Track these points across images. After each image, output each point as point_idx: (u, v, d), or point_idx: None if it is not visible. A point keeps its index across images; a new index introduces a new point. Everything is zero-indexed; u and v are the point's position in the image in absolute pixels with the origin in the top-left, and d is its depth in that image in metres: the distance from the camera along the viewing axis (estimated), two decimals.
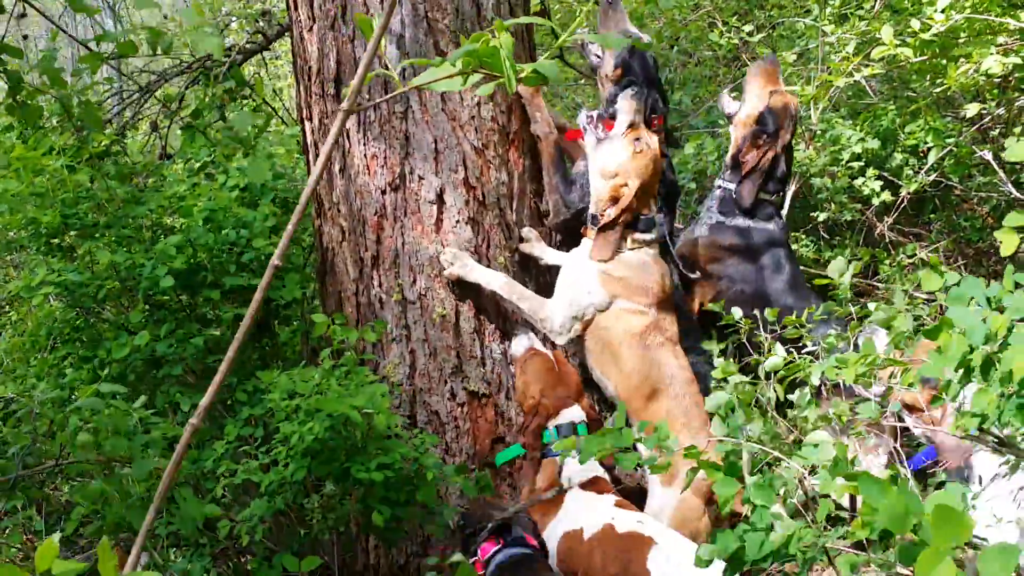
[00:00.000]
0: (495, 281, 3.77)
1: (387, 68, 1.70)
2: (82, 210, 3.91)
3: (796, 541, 1.98)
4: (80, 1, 2.92)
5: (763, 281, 4.10)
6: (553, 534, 3.39)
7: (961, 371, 1.87)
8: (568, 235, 4.04)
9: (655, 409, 3.66)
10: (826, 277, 2.93)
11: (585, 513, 3.36)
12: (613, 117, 3.87)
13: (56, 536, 1.44)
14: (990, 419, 1.80)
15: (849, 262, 5.01)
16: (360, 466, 3.16)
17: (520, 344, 3.73)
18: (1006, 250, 2.00)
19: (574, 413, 3.60)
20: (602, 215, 3.73)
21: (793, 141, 4.26)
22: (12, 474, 2.67)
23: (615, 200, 3.71)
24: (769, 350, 2.69)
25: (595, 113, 3.83)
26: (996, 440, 1.99)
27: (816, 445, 2.10)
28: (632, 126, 3.74)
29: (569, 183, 4.01)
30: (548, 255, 3.98)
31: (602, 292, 3.74)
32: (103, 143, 4.06)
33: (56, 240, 4.05)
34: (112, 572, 1.42)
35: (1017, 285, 1.93)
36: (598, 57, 4.19)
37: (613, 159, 3.73)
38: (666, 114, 4.26)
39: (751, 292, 4.07)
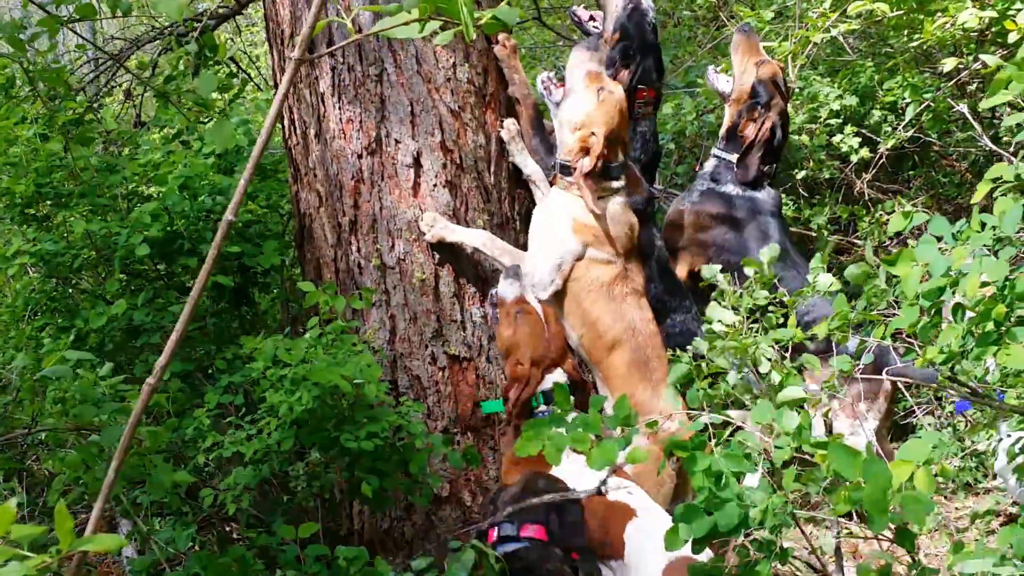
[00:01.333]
0: (476, 238, 3.76)
1: (348, 20, 1.68)
2: (56, 179, 3.87)
3: (771, 512, 1.98)
4: None
5: (750, 250, 4.10)
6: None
7: (927, 314, 1.88)
8: None
9: (616, 360, 3.69)
10: (807, 232, 2.92)
11: (576, 478, 3.33)
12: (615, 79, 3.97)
13: (13, 501, 1.44)
14: (954, 354, 1.81)
15: (829, 220, 5.05)
16: (349, 435, 3.15)
17: (510, 288, 3.57)
18: (977, 197, 2.01)
19: (558, 376, 3.54)
20: (574, 167, 3.71)
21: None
22: None
23: (586, 151, 3.70)
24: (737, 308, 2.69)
25: (551, 74, 3.86)
26: (969, 391, 2.01)
27: (784, 406, 2.11)
28: (591, 76, 3.73)
29: (549, 146, 4.00)
30: (528, 167, 3.97)
31: (575, 240, 3.74)
32: (76, 111, 4.01)
33: (31, 210, 4.02)
34: (69, 535, 1.42)
35: (983, 225, 1.94)
36: (593, 22, 4.23)
37: (579, 109, 3.72)
38: (658, 87, 4.23)
39: (737, 261, 4.07)
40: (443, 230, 3.75)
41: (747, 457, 1.95)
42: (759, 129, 4.10)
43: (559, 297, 3.81)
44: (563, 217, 3.76)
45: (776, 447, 1.98)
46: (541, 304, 3.63)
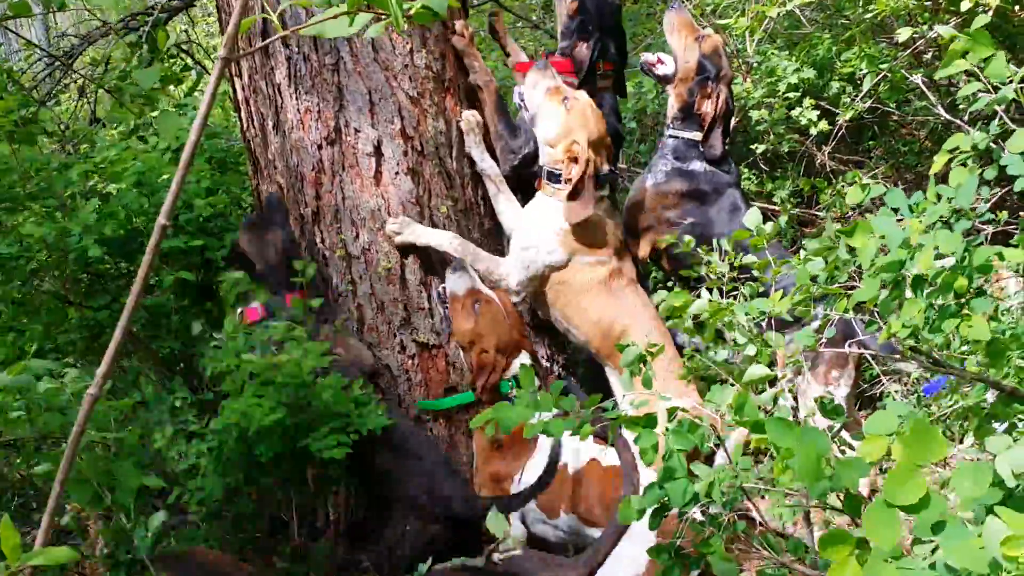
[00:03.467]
0: (446, 242, 3.75)
1: (274, 16, 1.66)
2: (5, 183, 3.79)
3: (717, 486, 2.01)
4: None
5: (720, 224, 4.11)
6: (533, 475, 3.42)
7: (884, 286, 1.89)
8: (520, 183, 4.01)
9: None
10: (770, 206, 2.92)
11: (565, 450, 3.43)
12: (564, 54, 4.06)
13: None
14: (917, 328, 1.82)
15: (790, 194, 5.07)
16: (317, 442, 3.11)
17: (460, 282, 3.63)
18: (935, 168, 2.02)
19: (524, 359, 3.62)
20: (567, 180, 3.70)
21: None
22: None
23: (574, 159, 3.69)
24: (710, 289, 2.69)
25: (522, 99, 3.86)
26: (930, 360, 2.03)
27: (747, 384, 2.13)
28: (551, 91, 3.75)
29: (513, 129, 3.99)
30: (501, 203, 3.96)
31: (560, 251, 3.77)
32: (18, 112, 3.92)
33: None
34: (16, 551, 1.42)
35: (939, 197, 1.95)
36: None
37: (552, 124, 3.74)
38: (617, 62, 4.24)
39: (708, 236, 4.07)
40: (410, 235, 3.74)
41: (698, 434, 1.98)
42: (716, 103, 4.09)
43: (554, 300, 3.84)
44: (550, 228, 3.77)
45: (727, 425, 2.01)
46: (496, 292, 3.66)
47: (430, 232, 3.77)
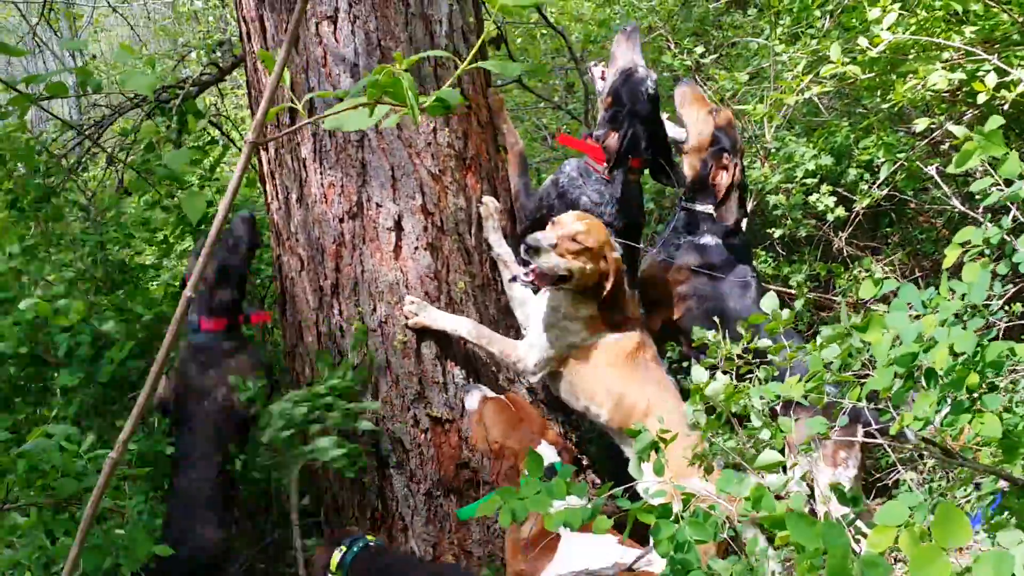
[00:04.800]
0: (461, 327, 3.78)
1: (300, 105, 1.72)
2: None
3: None
4: (4, 45, 2.91)
5: (732, 299, 4.13)
6: None
7: (898, 376, 1.90)
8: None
9: (652, 427, 3.64)
10: (786, 290, 2.92)
11: (587, 555, 3.19)
12: (598, 141, 4.14)
13: None
14: (929, 420, 1.83)
15: (806, 278, 5.08)
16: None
17: (473, 399, 3.63)
18: (947, 262, 2.04)
19: (545, 452, 3.43)
20: (605, 298, 3.70)
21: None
22: None
23: (606, 275, 3.69)
24: (726, 372, 2.70)
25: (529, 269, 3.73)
26: (941, 451, 2.02)
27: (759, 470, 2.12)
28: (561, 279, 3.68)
29: (530, 193, 4.10)
30: (516, 290, 3.99)
31: (586, 334, 3.77)
32: (45, 188, 3.97)
33: None
34: None
35: (952, 292, 1.97)
36: (601, 80, 4.31)
37: (576, 267, 3.65)
38: (644, 158, 4.19)
39: (719, 310, 4.08)
40: (426, 318, 3.77)
41: (711, 524, 1.96)
42: (732, 173, 4.14)
43: (573, 379, 3.81)
44: (573, 314, 3.76)
45: (740, 517, 1.99)
46: (505, 393, 3.65)
47: (445, 317, 3.79)
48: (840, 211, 5.06)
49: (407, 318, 3.79)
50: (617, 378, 3.74)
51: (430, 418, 3.84)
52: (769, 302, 2.58)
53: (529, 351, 3.81)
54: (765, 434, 2.58)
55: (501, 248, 3.99)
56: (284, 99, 3.76)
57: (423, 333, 3.82)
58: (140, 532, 2.69)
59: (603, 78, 4.31)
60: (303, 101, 3.49)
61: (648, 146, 4.15)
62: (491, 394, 3.63)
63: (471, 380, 3.88)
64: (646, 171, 4.28)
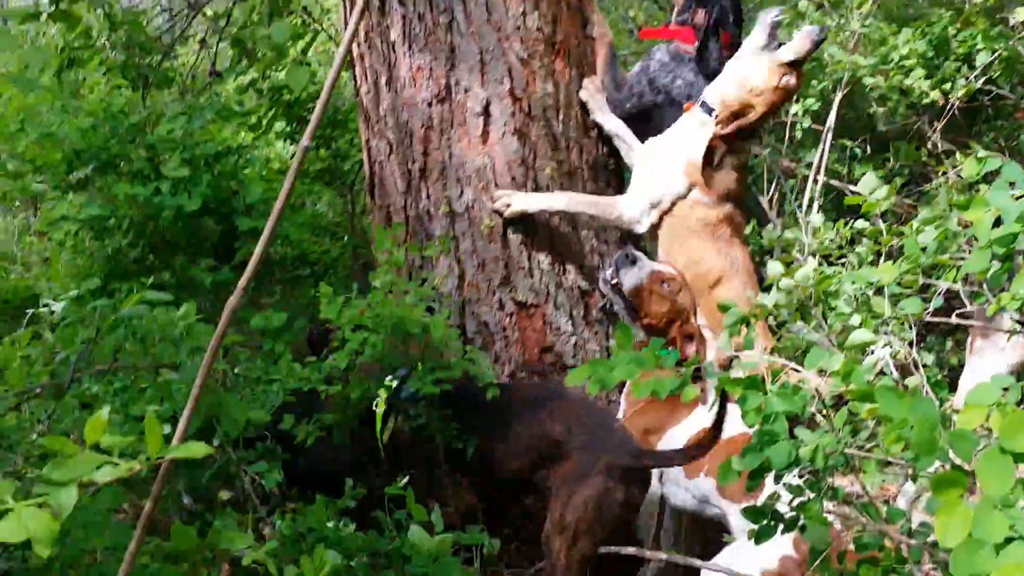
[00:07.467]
0: (557, 201, 3.80)
1: None
2: (94, 145, 3.90)
3: (821, 451, 2.00)
4: None
5: None
6: (685, 432, 3.28)
7: (998, 260, 1.87)
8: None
9: (716, 297, 3.66)
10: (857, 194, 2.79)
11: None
12: (683, 24, 4.02)
13: (105, 410, 1.49)
14: None
15: (893, 177, 4.95)
16: (417, 380, 3.15)
17: (638, 274, 3.45)
18: None
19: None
20: (719, 123, 3.67)
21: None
22: (66, 378, 2.73)
23: (736, 115, 3.65)
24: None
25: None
26: None
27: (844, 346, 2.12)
28: (790, 63, 3.62)
29: (618, 83, 4.06)
30: (635, 155, 3.96)
31: (683, 179, 3.74)
32: (151, 60, 4.06)
33: (69, 177, 4.07)
34: (159, 441, 1.48)
35: None
36: None
37: (757, 77, 3.63)
38: (734, 31, 4.09)
39: None
40: (521, 203, 3.79)
41: (800, 397, 1.96)
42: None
43: (663, 236, 3.81)
44: (680, 155, 3.74)
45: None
46: (671, 266, 3.58)
47: (538, 197, 3.81)
48: (936, 94, 4.91)
49: (500, 213, 3.81)
50: (696, 244, 3.74)
51: (515, 302, 3.89)
52: (867, 183, 2.54)
53: (632, 202, 3.81)
54: (856, 320, 2.57)
55: (611, 124, 3.97)
56: None
57: (509, 220, 3.85)
58: (234, 399, 2.75)
59: None
60: None
61: (735, 22, 4.07)
62: (660, 267, 3.52)
63: (556, 266, 3.91)
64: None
